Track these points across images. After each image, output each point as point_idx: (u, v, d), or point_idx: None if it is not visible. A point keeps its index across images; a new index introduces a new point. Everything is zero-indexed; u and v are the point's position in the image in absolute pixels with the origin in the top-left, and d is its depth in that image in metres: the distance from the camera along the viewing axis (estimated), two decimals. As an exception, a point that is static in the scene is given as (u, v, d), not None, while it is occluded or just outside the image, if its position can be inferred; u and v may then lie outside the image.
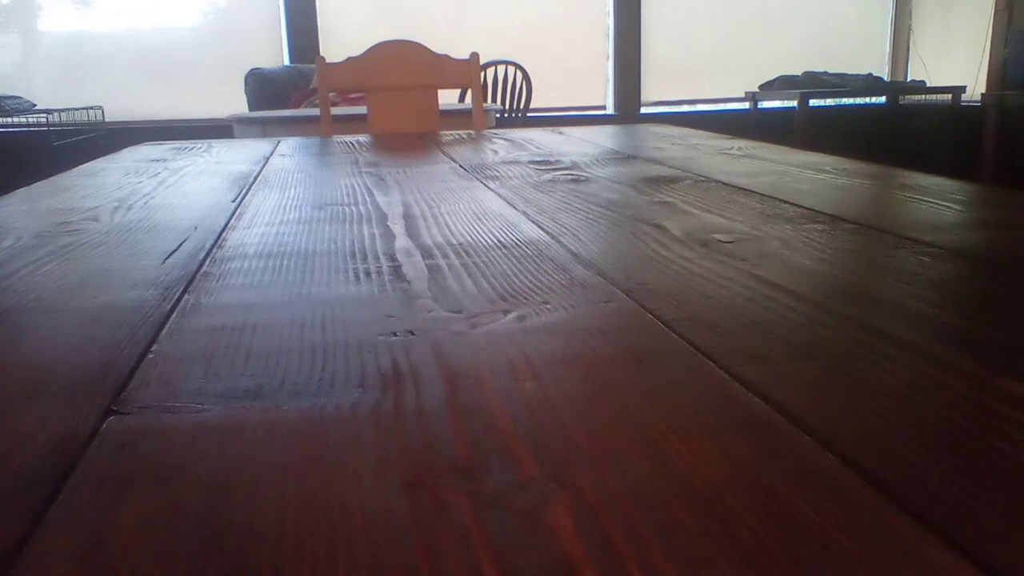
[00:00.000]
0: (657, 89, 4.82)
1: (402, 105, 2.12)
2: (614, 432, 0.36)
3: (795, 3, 4.90)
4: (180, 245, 0.76)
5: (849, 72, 4.68)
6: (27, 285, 0.63)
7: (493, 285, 0.60)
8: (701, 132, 1.74)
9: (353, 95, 3.13)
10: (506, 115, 4.22)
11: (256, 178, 1.21)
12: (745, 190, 0.99)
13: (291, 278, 0.64)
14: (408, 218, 0.88)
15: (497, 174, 1.19)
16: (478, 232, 0.79)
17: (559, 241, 0.74)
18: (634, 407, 0.38)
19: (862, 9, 5.05)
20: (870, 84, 4.70)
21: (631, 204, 0.93)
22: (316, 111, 2.31)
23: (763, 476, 0.32)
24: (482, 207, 0.93)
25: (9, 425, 0.38)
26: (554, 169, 1.23)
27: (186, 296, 0.59)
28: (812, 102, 4.43)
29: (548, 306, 0.55)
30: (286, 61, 4.31)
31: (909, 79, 5.00)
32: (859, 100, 4.77)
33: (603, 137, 1.70)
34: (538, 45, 4.51)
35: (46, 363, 0.47)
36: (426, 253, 0.71)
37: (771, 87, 4.60)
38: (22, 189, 1.14)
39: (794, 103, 4.41)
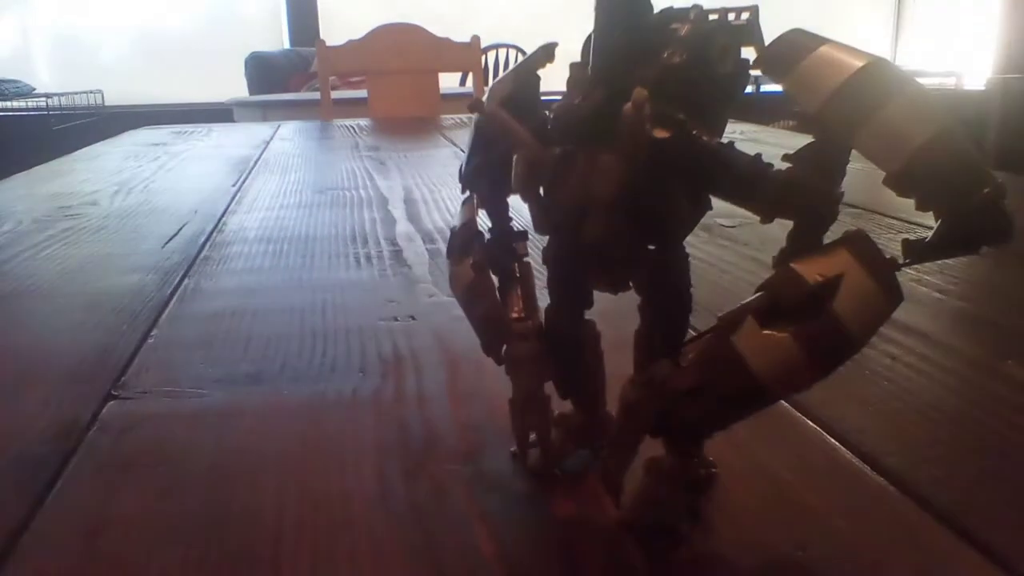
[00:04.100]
0: (659, 73, 4.79)
1: (403, 89, 2.11)
2: (615, 417, 0.36)
3: (798, -15, 4.87)
4: (180, 229, 0.76)
5: (852, 55, 4.64)
6: (27, 270, 0.63)
7: (494, 270, 0.60)
8: (703, 116, 1.73)
9: (354, 79, 3.11)
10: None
11: (256, 162, 1.21)
12: (747, 174, 0.99)
13: (291, 263, 0.63)
14: (409, 202, 0.87)
15: (498, 158, 1.19)
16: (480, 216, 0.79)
17: (560, 225, 0.74)
18: (635, 392, 0.38)
19: (866, -9, 5.01)
20: (873, 67, 4.67)
21: (633, 188, 0.92)
22: (316, 95, 2.30)
23: (764, 462, 0.32)
24: (483, 191, 0.92)
25: (9, 410, 0.38)
26: (555, 153, 1.23)
27: (186, 281, 0.59)
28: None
29: (549, 291, 0.55)
30: (286, 44, 4.28)
31: (913, 62, 4.97)
32: (862, 83, 4.73)
33: (605, 121, 1.69)
34: (539, 28, 4.48)
35: (46, 348, 0.47)
36: (427, 237, 0.71)
37: (774, 71, 4.57)
38: (21, 173, 1.14)
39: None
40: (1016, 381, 0.39)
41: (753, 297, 0.22)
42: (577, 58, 0.26)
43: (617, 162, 0.23)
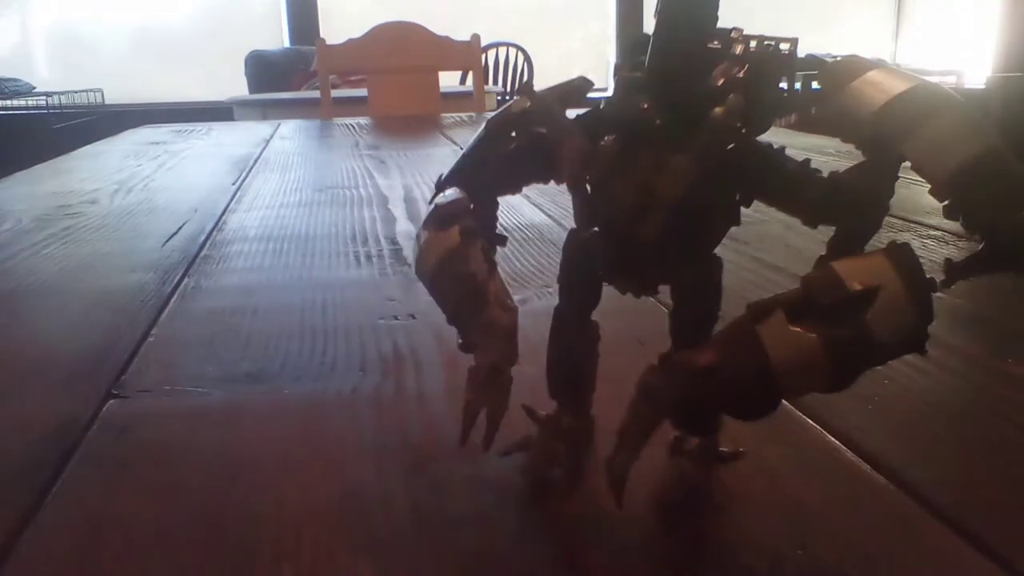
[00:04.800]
0: (659, 71, 4.78)
1: (403, 87, 2.11)
2: (617, 414, 0.36)
3: (799, -16, 4.86)
4: (180, 228, 0.76)
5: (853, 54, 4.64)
6: (27, 268, 0.63)
7: (494, 268, 0.60)
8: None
9: (354, 77, 3.11)
10: (507, 97, 4.20)
11: (256, 161, 1.21)
12: (748, 173, 0.99)
13: (291, 261, 0.63)
14: (409, 201, 0.87)
15: (498, 157, 1.19)
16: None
17: (561, 224, 0.74)
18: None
19: (866, -10, 5.01)
20: (874, 66, 4.67)
21: (633, 187, 0.92)
22: (316, 93, 2.30)
23: (765, 460, 0.32)
24: (483, 190, 0.92)
25: (9, 408, 0.38)
26: (556, 152, 1.22)
27: (186, 279, 0.59)
28: (815, 84, 4.40)
29: (550, 290, 0.55)
30: (286, 43, 4.28)
31: (914, 61, 4.97)
32: (863, 82, 4.72)
33: (605, 119, 1.69)
34: (539, 26, 4.48)
35: (46, 347, 0.47)
36: (427, 236, 0.71)
37: (774, 69, 4.57)
38: (22, 172, 1.14)
39: (797, 85, 4.38)
40: (1016, 380, 0.39)
41: (788, 291, 0.23)
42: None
43: (689, 163, 0.23)
